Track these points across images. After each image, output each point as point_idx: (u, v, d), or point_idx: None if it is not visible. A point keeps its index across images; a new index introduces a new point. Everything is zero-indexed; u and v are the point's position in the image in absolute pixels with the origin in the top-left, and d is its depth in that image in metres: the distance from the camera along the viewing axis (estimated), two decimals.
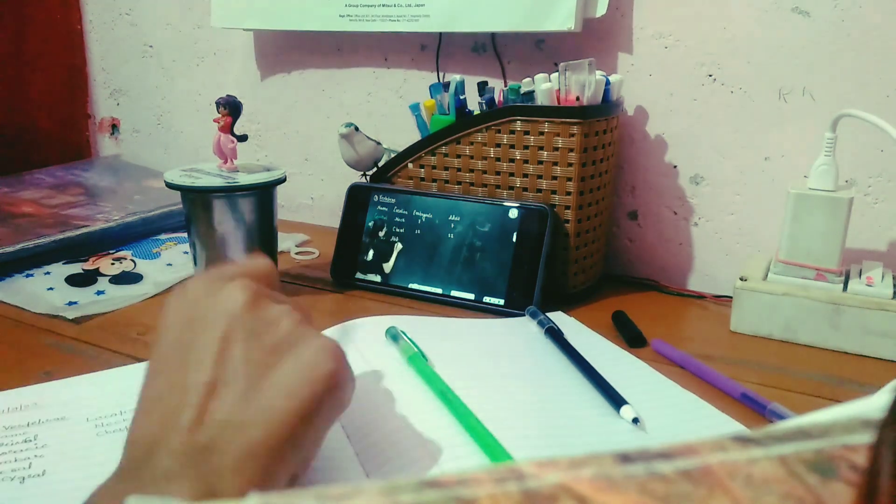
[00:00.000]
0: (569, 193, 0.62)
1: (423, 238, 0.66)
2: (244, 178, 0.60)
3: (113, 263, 0.70)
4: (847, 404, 0.25)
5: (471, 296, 0.63)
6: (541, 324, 0.56)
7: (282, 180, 0.62)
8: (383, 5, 0.77)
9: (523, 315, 0.59)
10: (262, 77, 0.93)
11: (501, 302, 0.61)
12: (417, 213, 0.66)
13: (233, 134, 0.62)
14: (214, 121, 0.62)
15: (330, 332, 0.54)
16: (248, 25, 0.88)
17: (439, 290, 0.64)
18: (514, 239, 0.62)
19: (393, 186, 0.69)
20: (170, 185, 0.59)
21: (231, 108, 0.62)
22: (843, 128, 0.57)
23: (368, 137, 0.72)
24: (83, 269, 0.69)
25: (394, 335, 0.52)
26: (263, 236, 0.61)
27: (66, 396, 0.46)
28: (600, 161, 0.64)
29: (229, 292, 0.32)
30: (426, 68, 0.81)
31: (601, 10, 0.67)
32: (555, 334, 0.54)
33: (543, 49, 0.74)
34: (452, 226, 0.65)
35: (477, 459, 0.38)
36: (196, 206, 0.59)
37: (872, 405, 0.24)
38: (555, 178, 0.63)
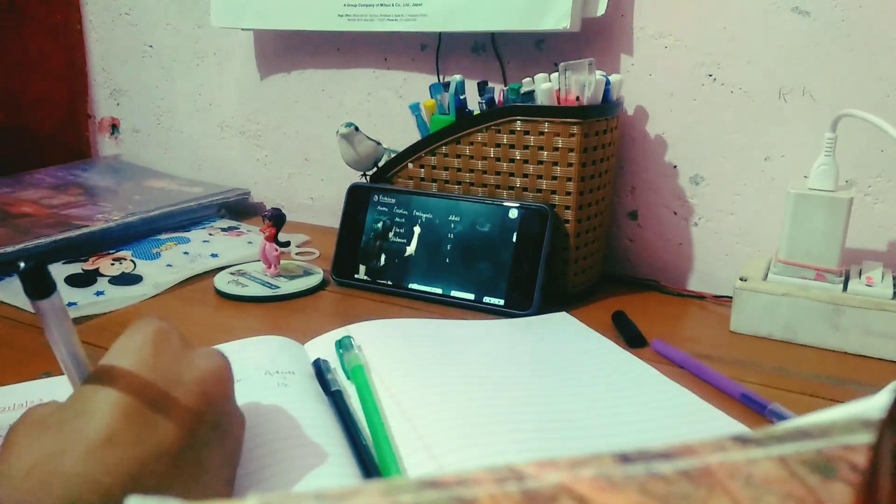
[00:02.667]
0: (569, 193, 0.62)
1: (423, 238, 0.66)
2: (286, 286, 0.65)
3: (113, 264, 0.70)
4: (847, 404, 0.25)
5: (471, 296, 0.63)
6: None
7: (322, 286, 0.67)
8: (381, 5, 0.77)
9: (524, 315, 0.60)
10: (262, 77, 0.93)
11: (501, 302, 0.61)
12: (417, 213, 0.66)
13: (277, 242, 0.67)
14: (261, 230, 0.67)
15: (333, 335, 0.54)
16: (246, 25, 0.88)
17: (439, 290, 0.64)
18: (514, 239, 0.62)
19: (393, 186, 0.69)
20: (219, 293, 0.65)
21: (275, 219, 0.66)
22: (843, 128, 0.57)
23: (368, 137, 0.72)
24: (83, 270, 0.69)
25: (346, 345, 0.50)
26: None
27: (67, 394, 0.46)
28: (600, 161, 0.64)
29: None
30: (426, 68, 0.81)
31: (601, 9, 0.67)
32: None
33: (543, 49, 0.74)
34: (452, 226, 0.65)
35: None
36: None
37: (872, 405, 0.24)
38: (555, 178, 0.63)
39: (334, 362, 0.49)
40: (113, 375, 0.31)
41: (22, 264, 0.28)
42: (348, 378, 0.47)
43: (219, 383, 0.34)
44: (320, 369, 0.48)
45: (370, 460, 0.38)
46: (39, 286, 0.28)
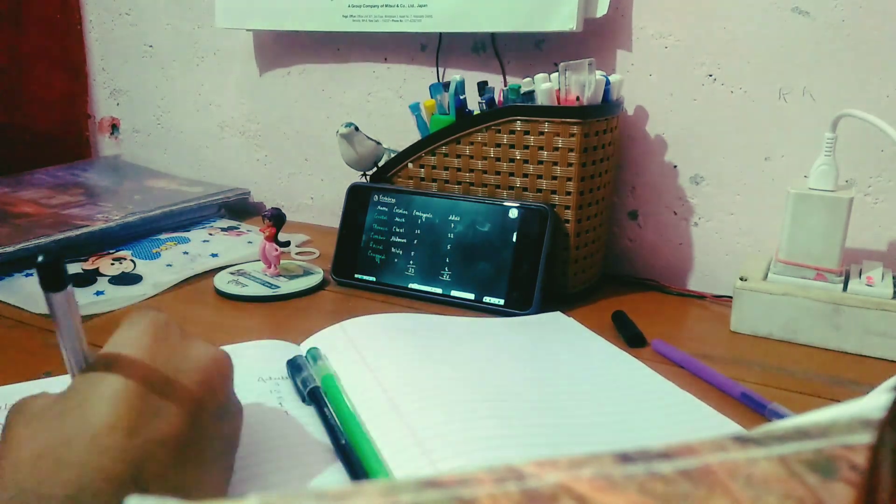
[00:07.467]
0: (569, 193, 0.62)
1: (424, 238, 0.66)
2: (286, 286, 0.66)
3: (113, 263, 0.70)
4: (847, 404, 0.25)
5: (471, 296, 0.63)
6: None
7: (322, 286, 0.67)
8: (386, 5, 0.77)
9: (524, 314, 0.59)
10: (262, 77, 0.93)
11: (501, 302, 0.61)
12: (417, 213, 0.66)
13: (277, 242, 0.67)
14: (261, 230, 0.67)
15: (329, 331, 0.54)
16: (251, 26, 0.88)
17: (439, 290, 0.64)
18: (514, 239, 0.62)
19: (393, 186, 0.69)
20: (219, 292, 0.65)
21: (276, 219, 0.67)
22: (843, 128, 0.57)
23: (368, 137, 0.72)
24: (83, 269, 0.69)
25: (314, 356, 0.49)
26: None
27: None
28: (600, 161, 0.64)
29: None
30: (426, 68, 0.81)
31: (602, 10, 0.67)
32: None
33: (543, 49, 0.74)
34: (452, 226, 0.65)
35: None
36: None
37: (872, 405, 0.24)
38: (555, 178, 0.63)
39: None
40: (113, 365, 0.31)
41: (40, 258, 0.28)
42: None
43: (218, 372, 0.35)
44: (292, 371, 0.47)
45: (356, 460, 0.38)
46: (54, 279, 0.29)
